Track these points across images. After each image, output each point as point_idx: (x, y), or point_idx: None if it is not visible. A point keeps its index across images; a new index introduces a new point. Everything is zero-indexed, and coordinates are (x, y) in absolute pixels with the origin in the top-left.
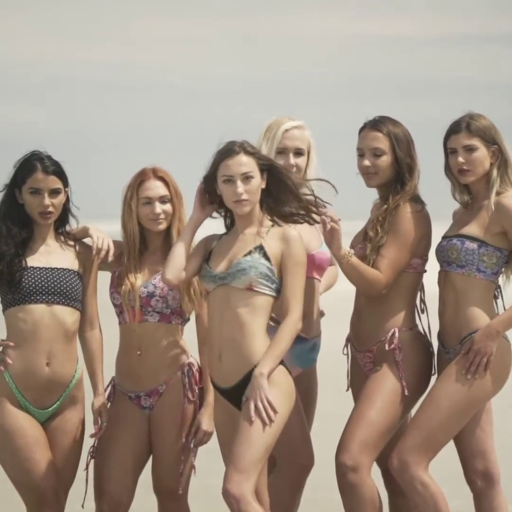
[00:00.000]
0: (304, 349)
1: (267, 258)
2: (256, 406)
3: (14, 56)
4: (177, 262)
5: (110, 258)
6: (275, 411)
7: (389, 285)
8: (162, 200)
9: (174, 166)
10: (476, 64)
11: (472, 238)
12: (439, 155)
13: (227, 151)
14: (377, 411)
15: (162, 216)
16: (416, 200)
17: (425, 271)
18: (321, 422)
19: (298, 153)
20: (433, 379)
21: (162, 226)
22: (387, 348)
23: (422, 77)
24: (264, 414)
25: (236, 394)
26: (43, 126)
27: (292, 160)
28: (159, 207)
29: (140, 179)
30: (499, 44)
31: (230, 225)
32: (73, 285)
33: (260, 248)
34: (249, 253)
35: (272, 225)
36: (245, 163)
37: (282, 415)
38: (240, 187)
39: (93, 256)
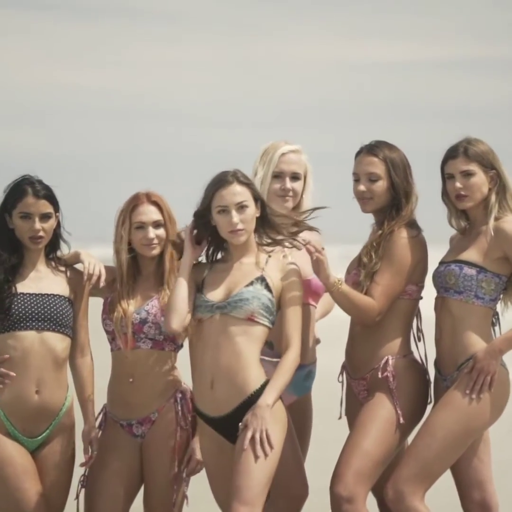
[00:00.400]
0: (299, 377)
1: (269, 289)
2: (253, 436)
3: (12, 81)
4: (181, 309)
5: (102, 284)
6: (271, 447)
7: (383, 312)
8: (156, 225)
9: (169, 191)
10: (475, 89)
11: (471, 264)
12: (438, 179)
13: (220, 181)
14: (372, 440)
15: (155, 241)
16: (412, 225)
17: (421, 297)
18: (318, 449)
19: (295, 177)
20: (430, 407)
21: (156, 251)
22: (379, 376)
23: (420, 101)
24: (259, 446)
25: (228, 423)
26: (42, 150)
27: (289, 184)
28: (152, 232)
29: (134, 203)
30: (495, 69)
31: (211, 254)
32: (63, 311)
33: (262, 279)
34: (251, 283)
35: (269, 256)
36: (239, 192)
37: (278, 446)
38: (235, 217)
39: (84, 281)
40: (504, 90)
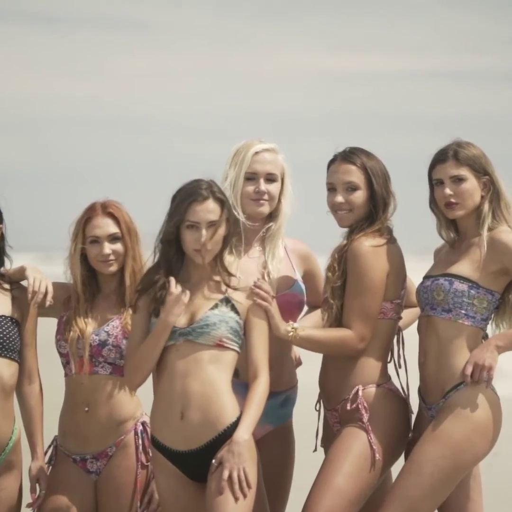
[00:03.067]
0: (273, 405)
1: (236, 311)
2: (231, 476)
3: None
4: (149, 370)
5: (48, 303)
6: (249, 486)
7: (366, 338)
8: (112, 238)
9: (142, 200)
10: (460, 99)
11: (462, 278)
12: (419, 186)
13: (194, 194)
14: (345, 477)
15: (111, 257)
16: (380, 233)
17: (400, 318)
18: (302, 473)
19: (270, 179)
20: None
21: (113, 268)
22: (348, 407)
23: (400, 111)
24: (237, 486)
25: (196, 459)
26: (20, 161)
27: (263, 186)
28: (108, 247)
29: (87, 215)
30: (475, 79)
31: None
32: (9, 333)
33: (227, 301)
34: (216, 306)
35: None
36: (213, 210)
37: (254, 485)
38: (205, 236)
39: (29, 300)
40: (483, 101)
